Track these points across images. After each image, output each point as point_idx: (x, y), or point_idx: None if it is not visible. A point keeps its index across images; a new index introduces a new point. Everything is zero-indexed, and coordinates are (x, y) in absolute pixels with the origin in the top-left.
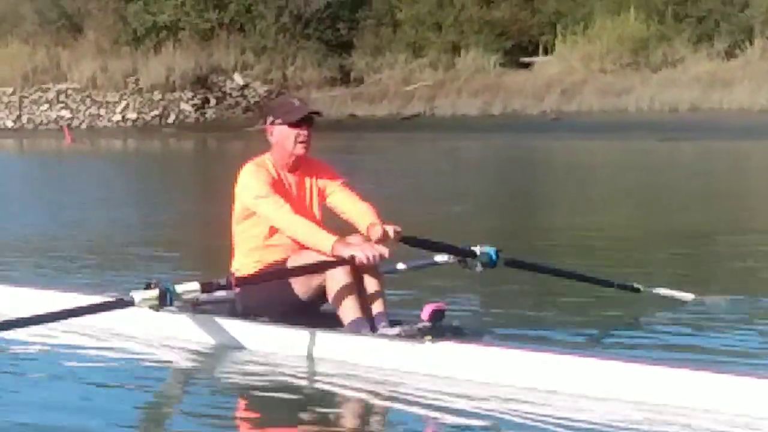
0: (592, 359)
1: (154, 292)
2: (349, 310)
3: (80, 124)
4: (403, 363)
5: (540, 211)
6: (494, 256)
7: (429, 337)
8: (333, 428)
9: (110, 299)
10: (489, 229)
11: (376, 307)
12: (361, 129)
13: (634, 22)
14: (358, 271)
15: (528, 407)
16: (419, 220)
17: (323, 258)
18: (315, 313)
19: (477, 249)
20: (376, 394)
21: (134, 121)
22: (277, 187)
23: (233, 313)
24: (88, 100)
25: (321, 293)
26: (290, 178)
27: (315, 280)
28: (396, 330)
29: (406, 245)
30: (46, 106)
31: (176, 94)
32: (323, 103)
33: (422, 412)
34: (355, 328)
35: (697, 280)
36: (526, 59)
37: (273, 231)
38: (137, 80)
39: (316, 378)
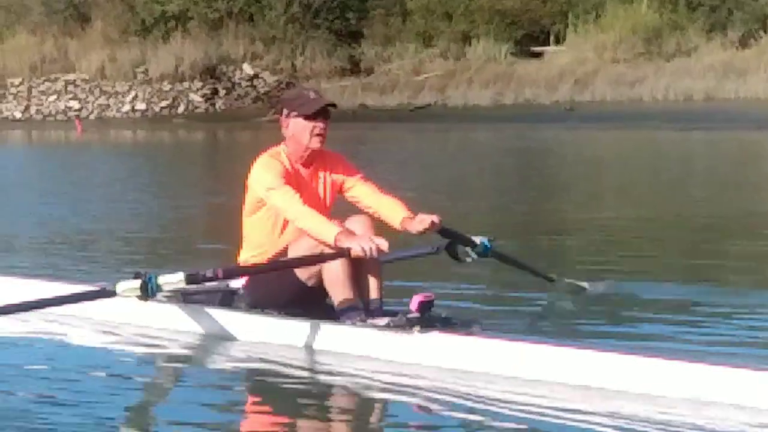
0: (578, 350)
1: (136, 283)
2: (341, 298)
3: (89, 114)
4: (391, 353)
5: (554, 201)
6: (488, 246)
7: (417, 328)
8: (321, 418)
9: (92, 289)
10: (500, 221)
11: (371, 294)
12: (372, 119)
13: (646, 10)
14: (355, 259)
15: (516, 397)
16: (433, 209)
17: (321, 246)
18: (323, 306)
19: (477, 239)
20: (365, 384)
21: (144, 111)
22: (291, 179)
23: (224, 303)
24: (96, 91)
25: None
26: (304, 171)
27: (317, 266)
28: (385, 320)
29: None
30: (54, 96)
31: (185, 85)
32: (333, 93)
33: (410, 402)
34: (346, 315)
35: (709, 268)
36: (537, 49)
37: (284, 225)
38: (146, 70)
39: (304, 368)
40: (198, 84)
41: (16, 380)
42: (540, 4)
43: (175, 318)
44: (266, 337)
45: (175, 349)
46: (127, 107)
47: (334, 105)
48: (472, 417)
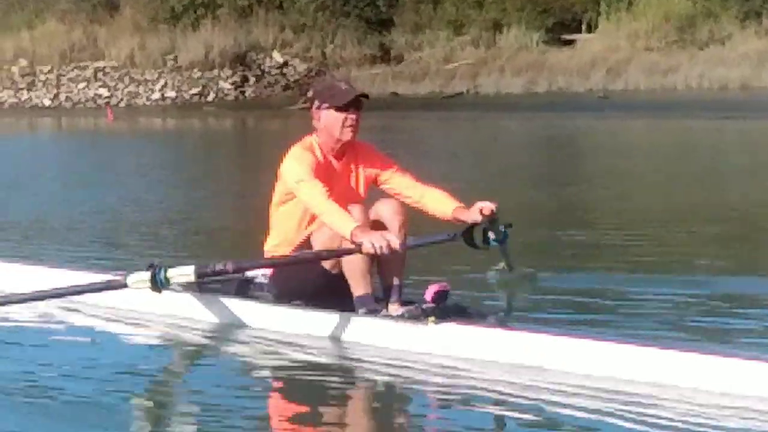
0: (594, 341)
1: (146, 275)
2: (358, 288)
3: (118, 102)
4: (406, 344)
5: (588, 190)
6: (506, 232)
7: (432, 318)
8: (335, 407)
9: (104, 279)
10: (530, 210)
11: (392, 282)
12: (403, 108)
13: None
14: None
15: (531, 388)
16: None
17: (339, 237)
18: (349, 297)
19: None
20: (380, 375)
21: (173, 99)
22: (321, 171)
23: (240, 292)
24: (126, 78)
25: None
26: (336, 164)
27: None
28: (400, 311)
29: None
30: (83, 84)
31: (215, 72)
32: (364, 81)
33: (425, 392)
34: (362, 306)
35: (745, 259)
36: (569, 36)
37: (311, 219)
38: (175, 58)
39: (319, 358)
40: (228, 72)
41: (29, 368)
42: None
43: (190, 307)
44: (279, 327)
45: (191, 339)
46: (156, 95)
47: (366, 96)
48: (487, 408)
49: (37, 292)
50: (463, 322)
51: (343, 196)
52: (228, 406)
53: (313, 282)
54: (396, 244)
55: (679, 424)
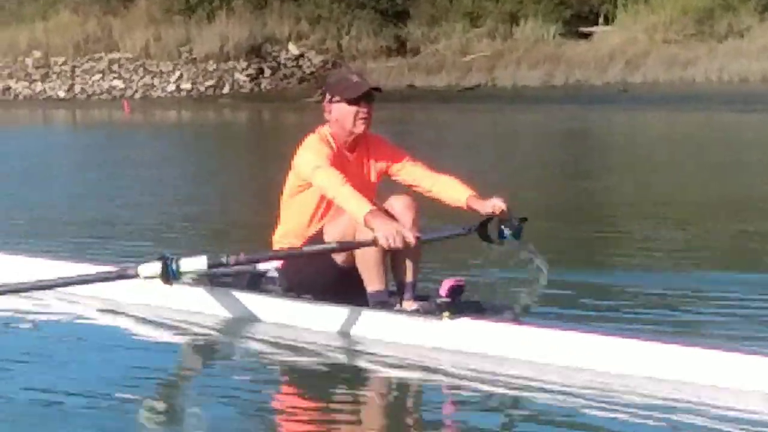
0: (609, 337)
1: (157, 266)
2: (371, 283)
3: (133, 94)
4: (421, 339)
5: (611, 183)
6: (521, 227)
7: (447, 314)
8: (348, 403)
9: (115, 269)
10: (549, 203)
11: (407, 276)
12: (420, 100)
13: None
14: None
15: (546, 384)
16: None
17: (353, 231)
18: (361, 291)
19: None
20: (393, 371)
21: (189, 91)
22: (336, 162)
23: (252, 285)
24: (141, 70)
25: None
26: (349, 156)
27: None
28: (414, 306)
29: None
30: (98, 75)
31: (230, 64)
32: (380, 73)
33: (439, 388)
34: (375, 300)
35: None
36: (586, 29)
37: (323, 214)
38: (191, 50)
39: (331, 353)
40: (243, 64)
41: (38, 361)
42: None
43: (202, 301)
44: (292, 321)
45: (202, 332)
46: (172, 87)
47: (378, 89)
48: (502, 404)
49: (48, 280)
50: (479, 318)
51: (356, 187)
52: (239, 400)
53: (323, 275)
54: (411, 238)
55: (698, 422)
